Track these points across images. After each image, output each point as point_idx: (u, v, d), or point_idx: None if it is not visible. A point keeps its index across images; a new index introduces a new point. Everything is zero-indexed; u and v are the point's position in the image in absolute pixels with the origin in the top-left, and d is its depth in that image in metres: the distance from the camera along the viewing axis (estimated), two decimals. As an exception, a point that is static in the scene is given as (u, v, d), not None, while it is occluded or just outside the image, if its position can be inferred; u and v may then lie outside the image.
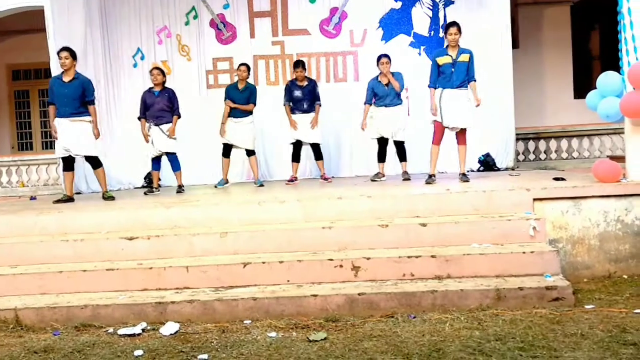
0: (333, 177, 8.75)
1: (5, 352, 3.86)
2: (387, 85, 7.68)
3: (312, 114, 8.04)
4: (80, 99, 6.86)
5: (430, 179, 6.69)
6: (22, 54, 11.73)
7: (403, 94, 8.23)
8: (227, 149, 8.21)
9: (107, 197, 7.07)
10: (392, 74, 7.69)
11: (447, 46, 6.74)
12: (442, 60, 6.67)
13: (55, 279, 4.73)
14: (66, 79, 6.85)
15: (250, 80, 9.21)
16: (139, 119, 7.79)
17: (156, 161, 7.85)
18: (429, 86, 6.82)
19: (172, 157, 7.83)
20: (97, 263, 4.89)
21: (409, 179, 7.52)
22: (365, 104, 7.86)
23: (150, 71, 7.90)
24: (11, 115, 12.61)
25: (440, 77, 6.67)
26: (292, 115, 8.05)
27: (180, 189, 7.74)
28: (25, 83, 12.52)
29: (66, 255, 5.02)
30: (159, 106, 7.66)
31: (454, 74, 6.61)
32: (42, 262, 4.99)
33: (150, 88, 7.80)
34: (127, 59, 9.61)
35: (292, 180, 8.11)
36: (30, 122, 12.53)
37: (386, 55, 7.75)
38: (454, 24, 6.70)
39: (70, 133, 6.86)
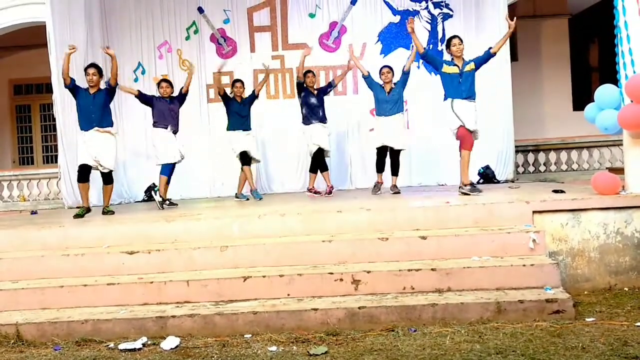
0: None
1: (6, 368, 3.87)
2: (388, 93, 7.68)
3: (327, 125, 8.02)
4: (103, 107, 6.91)
5: (474, 187, 6.60)
6: (24, 69, 11.83)
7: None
8: (246, 158, 8.08)
9: (107, 211, 7.09)
10: (394, 83, 7.72)
11: (452, 58, 6.75)
12: (448, 69, 6.68)
13: (56, 294, 4.72)
14: (92, 91, 6.92)
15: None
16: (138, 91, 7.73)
17: (172, 168, 7.73)
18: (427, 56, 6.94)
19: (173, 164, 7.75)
20: (98, 277, 4.89)
21: (399, 193, 7.52)
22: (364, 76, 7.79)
23: (159, 83, 7.82)
24: (12, 129, 12.68)
25: (448, 87, 6.66)
26: (308, 126, 7.95)
27: (164, 202, 7.64)
28: (26, 98, 12.60)
29: (67, 270, 5.02)
30: (172, 111, 7.64)
31: (461, 85, 6.62)
32: (43, 277, 4.98)
33: (160, 97, 7.70)
34: (129, 73, 9.69)
35: (315, 192, 8.04)
36: (31, 137, 12.59)
37: (387, 66, 7.76)
38: (456, 36, 6.77)
39: (98, 144, 6.88)
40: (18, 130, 12.71)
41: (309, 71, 8.07)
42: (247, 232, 5.40)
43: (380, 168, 7.91)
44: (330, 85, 8.20)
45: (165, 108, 7.62)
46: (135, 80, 9.69)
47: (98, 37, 9.43)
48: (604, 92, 5.74)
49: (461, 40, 6.67)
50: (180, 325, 4.29)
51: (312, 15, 9.65)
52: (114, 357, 3.94)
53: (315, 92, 8.02)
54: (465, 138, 6.60)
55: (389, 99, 7.68)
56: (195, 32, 9.77)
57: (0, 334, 4.36)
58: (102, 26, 9.54)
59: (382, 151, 7.83)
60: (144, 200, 8.95)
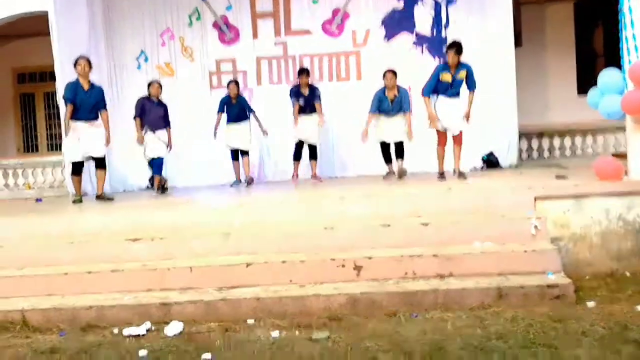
0: (335, 176, 8.78)
1: (13, 353, 3.92)
2: (392, 101, 7.73)
3: (313, 116, 8.20)
4: (96, 105, 7.22)
5: (442, 176, 6.96)
6: (27, 57, 11.80)
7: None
8: (235, 153, 8.53)
9: (104, 197, 7.22)
10: (399, 89, 7.75)
11: (450, 64, 6.86)
12: (444, 76, 6.82)
13: (61, 281, 4.78)
14: (85, 86, 7.16)
15: (253, 81, 9.35)
16: (135, 118, 7.89)
17: (157, 164, 7.99)
18: (424, 94, 6.92)
19: (161, 161, 8.00)
20: (101, 264, 4.93)
21: (406, 174, 7.59)
22: (370, 112, 7.79)
23: (151, 84, 8.01)
24: (17, 117, 12.69)
25: (436, 89, 6.85)
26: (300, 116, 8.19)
27: (157, 190, 7.93)
28: (30, 86, 12.60)
29: (71, 257, 5.06)
30: (157, 115, 7.91)
31: (450, 90, 6.84)
32: (48, 264, 5.02)
33: (149, 97, 7.93)
34: (131, 61, 9.65)
35: (294, 176, 8.30)
36: (35, 125, 12.61)
37: (392, 71, 7.77)
38: (453, 45, 6.82)
39: (88, 137, 7.15)
40: (22, 118, 12.74)
41: (303, 70, 8.30)
42: (249, 220, 5.43)
43: (387, 159, 8.03)
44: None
45: (154, 112, 7.87)
46: (138, 67, 9.64)
47: (100, 25, 9.39)
48: (607, 77, 5.72)
49: (457, 52, 6.76)
50: (184, 311, 4.34)
51: (315, 1, 9.56)
52: (118, 343, 4.00)
53: (306, 92, 8.21)
54: (441, 137, 6.96)
55: (391, 107, 7.75)
56: (198, 18, 9.71)
57: (6, 320, 4.43)
58: (104, 15, 9.49)
59: (384, 145, 7.94)
60: (147, 188, 8.97)
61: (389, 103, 7.74)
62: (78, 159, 7.24)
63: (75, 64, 7.18)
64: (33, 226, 5.64)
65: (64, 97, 7.21)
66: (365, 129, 7.75)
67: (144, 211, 5.88)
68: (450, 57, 6.78)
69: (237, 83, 8.54)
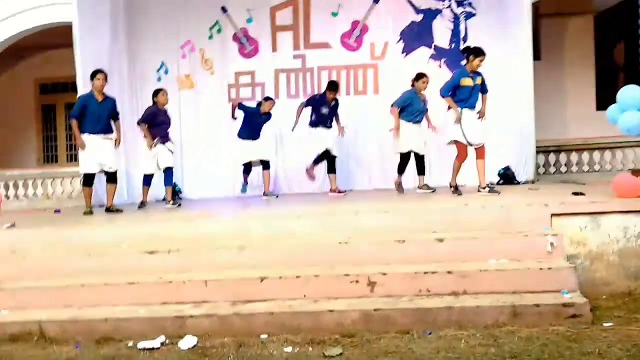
0: (351, 190, 8.77)
1: (30, 364, 3.98)
2: (423, 101, 7.79)
3: (333, 128, 8.23)
4: (110, 117, 7.37)
5: (457, 190, 6.95)
6: (49, 68, 12.02)
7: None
8: (249, 166, 8.60)
9: (113, 210, 7.36)
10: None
11: (468, 70, 6.91)
12: (465, 81, 6.83)
13: (78, 293, 4.83)
14: (99, 98, 7.28)
15: (271, 93, 9.43)
16: (139, 123, 7.94)
17: (150, 178, 8.07)
18: (444, 95, 6.91)
19: (171, 172, 8.06)
20: (118, 277, 4.98)
21: (434, 190, 7.61)
22: (394, 105, 7.75)
23: (161, 92, 8.01)
24: (38, 128, 12.92)
25: (459, 98, 6.82)
26: (315, 129, 8.19)
27: (169, 202, 7.95)
28: (52, 97, 12.82)
29: (89, 269, 5.11)
30: (167, 125, 8.00)
31: (472, 97, 6.86)
32: (65, 276, 5.08)
33: (159, 107, 7.95)
34: (152, 73, 9.79)
35: (338, 191, 8.28)
36: (56, 135, 12.82)
37: (426, 75, 7.83)
38: (480, 51, 6.89)
39: (103, 149, 7.29)
40: (43, 129, 12.96)
41: (336, 86, 8.31)
42: (264, 233, 5.45)
43: (403, 170, 7.98)
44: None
45: (164, 123, 7.95)
46: (159, 79, 9.77)
47: (122, 37, 9.55)
48: (626, 93, 5.68)
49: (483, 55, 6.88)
50: (198, 324, 4.36)
51: (334, 14, 9.64)
52: (133, 356, 4.03)
53: (332, 104, 8.22)
54: (462, 152, 6.87)
55: (423, 108, 7.79)
56: (219, 31, 9.83)
57: (24, 331, 4.50)
58: (126, 27, 9.64)
59: (407, 156, 7.87)
60: (164, 200, 9.05)
61: (421, 103, 7.76)
62: (92, 170, 7.36)
63: (93, 77, 7.30)
64: (52, 238, 5.71)
65: (73, 113, 7.34)
66: (396, 124, 7.69)
67: (160, 223, 5.94)
68: (476, 63, 6.82)
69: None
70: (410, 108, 7.74)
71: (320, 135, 8.20)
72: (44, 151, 12.92)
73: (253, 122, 8.38)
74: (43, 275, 5.14)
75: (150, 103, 8.12)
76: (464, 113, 6.79)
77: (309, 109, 8.31)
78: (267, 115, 8.48)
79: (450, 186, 7.07)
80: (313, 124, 8.26)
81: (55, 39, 10.44)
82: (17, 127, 12.58)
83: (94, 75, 7.31)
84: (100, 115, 7.25)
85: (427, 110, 7.87)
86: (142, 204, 7.86)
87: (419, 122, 7.83)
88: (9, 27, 10.02)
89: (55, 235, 5.72)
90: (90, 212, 7.31)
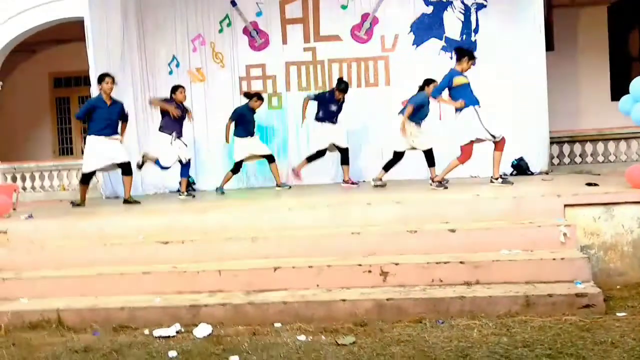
0: (364, 181, 8.78)
1: (48, 351, 4.04)
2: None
3: (339, 124, 8.35)
4: (118, 120, 7.46)
5: (441, 184, 6.86)
6: (63, 62, 12.13)
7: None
8: (238, 166, 8.61)
9: (133, 201, 7.43)
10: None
11: (459, 70, 6.87)
12: (459, 80, 6.77)
13: (95, 282, 4.91)
14: (108, 102, 7.35)
15: (282, 86, 9.46)
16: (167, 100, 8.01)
17: (185, 167, 8.15)
18: (434, 96, 7.04)
19: (189, 164, 8.20)
20: (133, 266, 5.05)
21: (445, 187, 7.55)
22: (412, 103, 7.63)
23: (179, 89, 8.04)
24: (53, 121, 13.06)
25: (467, 94, 6.71)
26: (322, 124, 8.26)
27: (182, 193, 8.09)
28: (66, 90, 12.96)
29: (105, 259, 5.19)
30: (182, 120, 8.04)
31: (473, 93, 6.75)
32: (82, 265, 5.16)
33: (176, 102, 7.98)
34: (163, 66, 9.85)
35: (351, 182, 8.35)
36: (70, 128, 12.94)
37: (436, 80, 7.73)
38: (470, 53, 6.95)
39: (109, 148, 7.36)
40: (58, 121, 13.10)
41: (346, 86, 8.35)
42: (277, 224, 5.49)
43: (389, 169, 7.94)
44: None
45: (180, 118, 7.96)
46: (170, 72, 9.83)
47: (134, 31, 9.61)
48: (639, 83, 5.63)
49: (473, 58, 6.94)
50: (213, 313, 4.41)
51: (344, 7, 9.63)
52: (148, 343, 4.09)
53: (341, 101, 8.29)
54: (468, 154, 6.75)
55: (428, 112, 7.79)
56: (229, 25, 9.85)
57: (43, 319, 4.57)
58: (137, 21, 9.70)
59: (400, 155, 7.84)
60: (178, 191, 9.13)
61: (428, 109, 7.74)
62: (91, 169, 7.49)
63: (100, 81, 7.37)
64: (69, 228, 5.79)
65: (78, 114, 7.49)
66: (404, 121, 7.62)
67: (174, 214, 6.00)
68: (468, 65, 6.81)
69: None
70: (421, 111, 7.70)
71: (325, 130, 8.28)
72: (59, 143, 13.06)
73: (247, 121, 8.43)
74: (61, 264, 5.22)
75: (162, 96, 8.19)
76: (476, 110, 6.66)
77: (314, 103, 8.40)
78: (254, 112, 8.57)
79: (433, 181, 6.96)
80: (320, 119, 8.32)
81: (68, 33, 10.54)
82: (32, 120, 12.73)
83: (101, 79, 7.38)
84: (109, 119, 7.33)
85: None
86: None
87: (420, 124, 7.78)
88: (23, 22, 10.13)
89: (72, 226, 5.80)
90: (80, 205, 7.50)
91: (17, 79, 12.47)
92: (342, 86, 8.29)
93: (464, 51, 7.00)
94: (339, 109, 8.35)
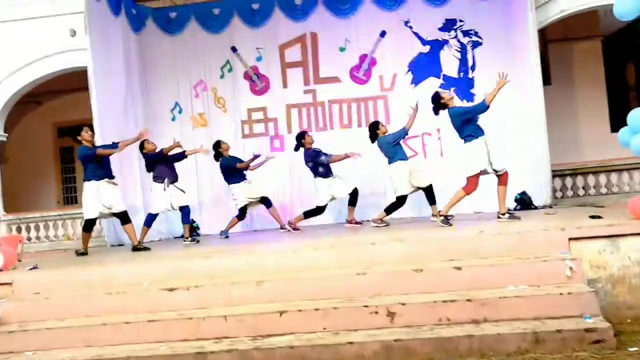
0: (367, 220, 8.76)
1: (53, 405, 4.00)
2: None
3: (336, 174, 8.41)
4: (109, 162, 7.55)
5: (447, 221, 6.77)
6: (67, 112, 12.33)
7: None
8: (243, 212, 8.68)
9: (141, 248, 7.43)
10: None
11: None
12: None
13: (100, 332, 4.88)
14: (92, 147, 7.47)
15: (284, 128, 9.59)
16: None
17: (153, 219, 8.24)
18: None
19: (187, 210, 8.22)
20: (139, 315, 5.02)
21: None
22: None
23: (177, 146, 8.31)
24: (57, 170, 13.18)
25: (474, 126, 6.68)
26: (325, 179, 8.29)
27: (186, 239, 8.09)
28: (70, 140, 13.09)
29: (110, 308, 5.17)
30: (174, 167, 8.23)
31: (479, 125, 6.75)
32: (87, 315, 5.14)
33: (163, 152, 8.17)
34: (166, 113, 10.00)
35: (355, 222, 8.35)
36: (74, 177, 13.04)
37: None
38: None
39: (108, 193, 7.43)
40: (62, 171, 13.22)
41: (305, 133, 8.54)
42: (282, 267, 5.48)
43: (391, 212, 7.92)
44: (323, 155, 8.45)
45: (169, 164, 8.19)
46: (173, 119, 9.99)
47: (136, 79, 9.79)
48: (636, 115, 5.68)
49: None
50: (219, 360, 4.36)
51: (342, 49, 9.82)
52: (155, 394, 4.04)
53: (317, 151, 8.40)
54: (473, 184, 6.68)
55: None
56: (230, 70, 10.05)
57: (48, 372, 4.53)
58: (140, 69, 9.89)
59: (404, 199, 7.83)
60: (182, 236, 9.13)
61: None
62: (93, 215, 7.51)
63: (79, 134, 7.53)
64: (73, 277, 5.79)
65: (84, 155, 7.47)
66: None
67: (179, 260, 6.00)
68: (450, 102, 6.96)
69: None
70: (399, 146, 7.85)
71: (326, 184, 8.27)
72: (63, 193, 13.15)
73: (233, 169, 8.54)
74: (66, 314, 5.20)
75: (165, 142, 8.35)
76: (485, 141, 6.62)
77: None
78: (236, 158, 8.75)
79: (439, 215, 6.89)
80: (321, 175, 8.30)
81: (72, 83, 10.74)
82: (37, 170, 12.86)
83: (79, 132, 7.55)
84: (101, 162, 7.41)
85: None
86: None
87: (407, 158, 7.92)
88: (28, 74, 10.34)
89: (77, 276, 5.80)
90: (84, 253, 7.57)
91: (23, 130, 12.65)
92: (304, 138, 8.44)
93: (434, 99, 7.10)
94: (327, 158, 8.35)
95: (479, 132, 6.64)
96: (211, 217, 9.64)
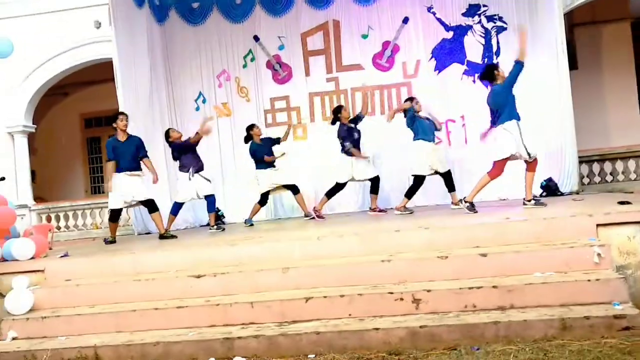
0: (391, 208, 8.76)
1: (86, 388, 4.10)
2: (427, 119, 7.89)
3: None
4: (134, 155, 7.59)
5: (473, 207, 6.68)
6: (93, 103, 12.52)
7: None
8: (265, 198, 8.66)
9: (168, 236, 7.53)
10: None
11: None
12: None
13: (130, 318, 4.97)
14: (122, 138, 7.56)
15: (307, 116, 9.58)
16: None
17: (179, 207, 8.30)
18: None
19: (212, 199, 8.25)
20: (167, 301, 5.11)
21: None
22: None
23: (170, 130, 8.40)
24: (84, 160, 13.41)
25: (512, 108, 6.55)
26: (349, 158, 8.20)
27: (212, 227, 8.13)
28: (96, 130, 13.33)
29: (139, 294, 5.27)
30: (199, 157, 8.29)
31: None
32: (117, 302, 5.24)
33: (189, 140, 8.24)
34: (190, 103, 10.11)
35: (379, 210, 8.30)
36: (101, 167, 13.25)
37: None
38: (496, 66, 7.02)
39: (130, 184, 7.52)
40: (89, 161, 13.44)
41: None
42: (307, 254, 5.51)
43: (411, 195, 7.91)
44: (358, 118, 8.39)
45: (197, 153, 8.26)
46: (197, 109, 10.08)
47: (161, 70, 9.90)
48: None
49: None
50: (246, 346, 4.42)
51: (364, 36, 9.79)
52: (184, 378, 4.11)
53: (354, 125, 8.30)
54: (499, 169, 6.58)
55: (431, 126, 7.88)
56: (252, 59, 10.09)
57: (80, 356, 4.64)
58: (164, 60, 10.01)
59: (422, 180, 7.81)
60: (207, 225, 9.24)
61: (426, 122, 7.91)
62: (117, 206, 7.62)
63: (115, 119, 7.59)
64: (103, 265, 5.90)
65: (108, 156, 7.62)
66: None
67: (205, 248, 6.07)
68: (499, 77, 6.79)
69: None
70: (424, 126, 7.79)
71: (349, 163, 8.21)
72: (90, 182, 13.38)
73: (262, 154, 8.49)
74: (96, 301, 5.31)
75: (190, 132, 8.42)
76: (519, 124, 6.49)
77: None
78: (270, 140, 8.66)
79: (464, 201, 6.77)
80: (347, 153, 8.23)
81: (98, 74, 10.89)
82: (65, 160, 13.10)
83: (115, 117, 7.62)
84: (124, 154, 7.50)
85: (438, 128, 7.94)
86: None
87: (434, 140, 7.84)
88: (55, 66, 10.54)
89: (106, 263, 5.90)
90: (113, 242, 7.74)
91: (51, 121, 12.87)
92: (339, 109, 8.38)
93: (489, 69, 6.93)
94: (359, 135, 8.31)
95: (514, 114, 6.52)
96: (235, 206, 9.71)
